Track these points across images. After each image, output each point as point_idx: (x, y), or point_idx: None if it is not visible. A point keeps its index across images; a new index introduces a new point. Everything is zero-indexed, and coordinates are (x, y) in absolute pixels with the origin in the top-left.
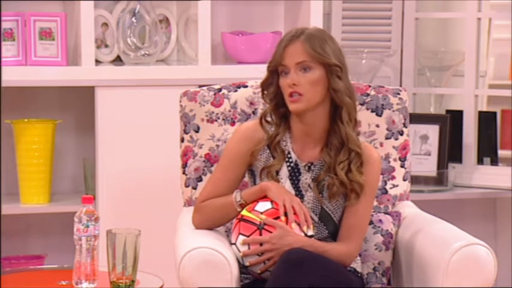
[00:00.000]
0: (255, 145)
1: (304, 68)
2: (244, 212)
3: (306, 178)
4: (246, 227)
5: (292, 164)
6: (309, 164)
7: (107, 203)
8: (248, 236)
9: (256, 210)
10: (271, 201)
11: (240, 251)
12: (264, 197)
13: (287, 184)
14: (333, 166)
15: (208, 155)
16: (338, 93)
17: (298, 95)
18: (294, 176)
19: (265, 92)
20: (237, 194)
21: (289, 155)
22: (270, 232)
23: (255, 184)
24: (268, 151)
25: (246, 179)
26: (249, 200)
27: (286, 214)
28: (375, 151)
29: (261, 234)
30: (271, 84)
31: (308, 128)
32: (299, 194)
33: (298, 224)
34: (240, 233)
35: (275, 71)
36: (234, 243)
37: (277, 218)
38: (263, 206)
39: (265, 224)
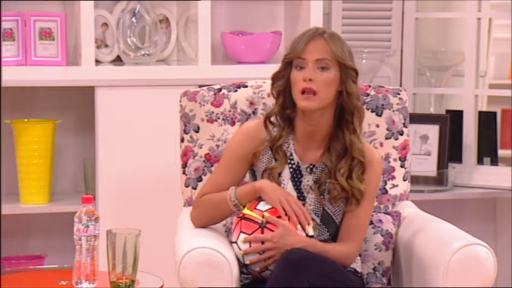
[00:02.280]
0: (257, 145)
1: (323, 66)
2: (245, 211)
3: (307, 180)
4: (247, 225)
5: (294, 166)
6: (311, 166)
7: (107, 203)
8: (250, 235)
9: (258, 209)
10: None
11: (240, 249)
12: (259, 198)
13: (289, 186)
14: (333, 171)
15: (208, 155)
16: (352, 97)
17: (312, 92)
18: (296, 178)
19: (275, 85)
20: (232, 192)
21: (291, 157)
22: (272, 231)
23: None
24: (270, 152)
25: (247, 178)
26: (243, 201)
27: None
28: (376, 152)
29: (262, 233)
30: (282, 77)
31: (312, 129)
32: (301, 195)
33: (301, 224)
34: (241, 231)
35: (289, 64)
36: (235, 242)
37: (279, 216)
38: (265, 204)
39: (267, 222)
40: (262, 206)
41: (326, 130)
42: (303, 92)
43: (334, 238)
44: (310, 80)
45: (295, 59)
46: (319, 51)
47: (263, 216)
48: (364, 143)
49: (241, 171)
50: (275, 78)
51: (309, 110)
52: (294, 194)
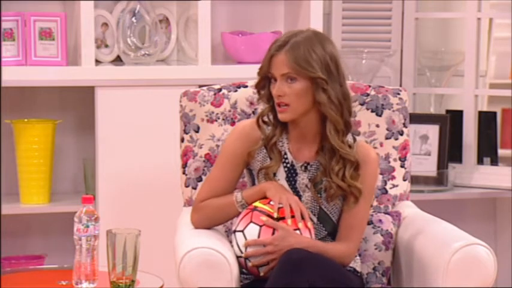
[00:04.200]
0: (252, 144)
1: (291, 78)
2: (257, 204)
3: (302, 178)
4: (259, 217)
5: (288, 165)
6: (305, 164)
7: (107, 203)
8: (261, 226)
9: (272, 205)
10: None
11: (246, 239)
12: (265, 197)
13: (284, 185)
14: (328, 170)
15: (208, 155)
16: (321, 106)
17: (285, 105)
18: (291, 176)
19: (260, 93)
20: (238, 194)
21: (285, 156)
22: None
23: (253, 184)
24: (265, 151)
25: (245, 178)
26: (250, 201)
27: (292, 216)
28: (372, 150)
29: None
30: (264, 87)
31: (303, 131)
32: (296, 194)
33: (299, 226)
34: (251, 221)
35: (266, 76)
36: (241, 231)
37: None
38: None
39: (281, 218)
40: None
41: (315, 130)
42: (278, 105)
43: (331, 236)
44: (280, 95)
45: (267, 74)
46: (282, 67)
47: (278, 211)
48: (358, 141)
49: (238, 171)
50: (258, 88)
51: (286, 121)
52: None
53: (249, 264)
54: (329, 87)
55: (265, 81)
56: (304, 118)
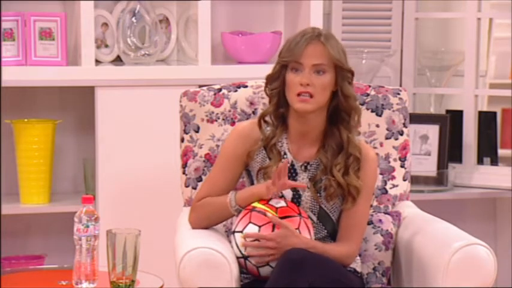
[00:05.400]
0: (251, 145)
1: (319, 70)
2: (256, 204)
3: (302, 178)
4: (259, 217)
5: (288, 165)
6: (305, 164)
7: (107, 203)
8: (260, 226)
9: (270, 205)
10: (285, 200)
11: (245, 240)
12: (259, 200)
13: None
14: (329, 167)
15: (208, 155)
16: (349, 99)
17: (309, 95)
18: (291, 176)
19: (269, 85)
20: (232, 196)
21: (285, 156)
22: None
23: (251, 185)
24: (264, 152)
25: (244, 178)
26: (243, 205)
27: (295, 216)
28: (371, 150)
29: (274, 227)
30: (277, 79)
31: (305, 129)
32: (296, 194)
33: (305, 228)
34: (250, 222)
35: (284, 66)
36: (240, 231)
37: (287, 217)
38: (277, 202)
39: (282, 218)
40: (275, 203)
41: (319, 128)
42: (298, 95)
43: (331, 236)
44: (307, 84)
45: (292, 62)
46: (317, 57)
47: (276, 211)
48: (359, 140)
49: (237, 171)
50: (270, 79)
51: (305, 112)
52: (290, 192)
53: (248, 263)
54: (352, 81)
55: (281, 71)
56: (313, 115)
